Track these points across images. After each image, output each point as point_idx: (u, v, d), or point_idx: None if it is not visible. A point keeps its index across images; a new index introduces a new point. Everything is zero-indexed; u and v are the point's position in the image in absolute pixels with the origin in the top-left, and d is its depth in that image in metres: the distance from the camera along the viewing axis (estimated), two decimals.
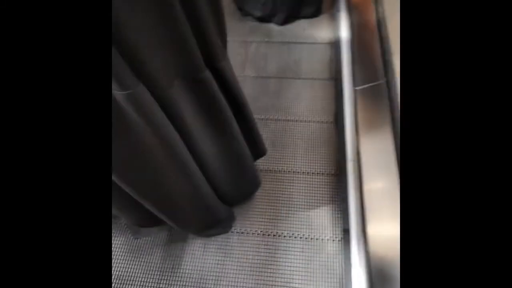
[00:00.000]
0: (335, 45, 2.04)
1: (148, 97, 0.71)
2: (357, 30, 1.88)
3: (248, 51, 2.08)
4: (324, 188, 1.52)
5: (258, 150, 1.37)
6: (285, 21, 2.19)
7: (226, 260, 1.36)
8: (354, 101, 1.67)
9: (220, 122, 0.98)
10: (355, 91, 1.68)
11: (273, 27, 2.20)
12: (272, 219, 1.45)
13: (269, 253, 1.37)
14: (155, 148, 0.79)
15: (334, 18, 2.20)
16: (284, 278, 1.30)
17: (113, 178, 0.82)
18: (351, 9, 2.11)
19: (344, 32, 2.00)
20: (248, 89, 1.89)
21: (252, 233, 1.42)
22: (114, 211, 1.16)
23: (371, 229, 1.25)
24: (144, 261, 1.38)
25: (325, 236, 1.39)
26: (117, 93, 0.65)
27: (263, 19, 2.21)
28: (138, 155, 0.80)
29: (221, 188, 1.23)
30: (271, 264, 1.34)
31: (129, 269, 1.37)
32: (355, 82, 1.72)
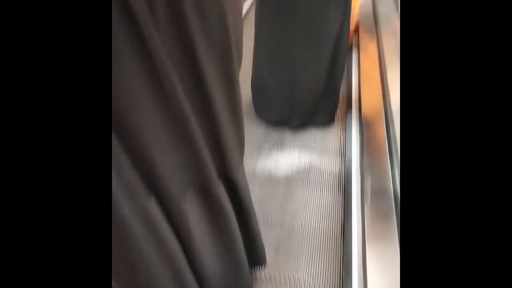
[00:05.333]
0: (345, 156, 2.10)
1: (158, 213, 0.72)
2: (366, 144, 1.95)
3: (260, 153, 2.15)
4: None
5: (257, 259, 1.34)
6: (299, 127, 2.30)
7: None
8: (362, 214, 1.66)
9: (225, 232, 0.97)
10: (363, 205, 1.67)
11: (286, 131, 2.30)
12: None
13: None
14: (154, 261, 0.77)
15: (345, 128, 2.30)
16: None
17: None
18: (362, 123, 2.21)
19: (354, 144, 2.07)
20: (256, 191, 1.90)
21: None
22: None
23: None
24: None
25: None
26: (126, 207, 0.65)
27: (278, 123, 2.32)
28: (134, 267, 0.77)
29: None
30: None
31: None
32: (363, 196, 1.73)
